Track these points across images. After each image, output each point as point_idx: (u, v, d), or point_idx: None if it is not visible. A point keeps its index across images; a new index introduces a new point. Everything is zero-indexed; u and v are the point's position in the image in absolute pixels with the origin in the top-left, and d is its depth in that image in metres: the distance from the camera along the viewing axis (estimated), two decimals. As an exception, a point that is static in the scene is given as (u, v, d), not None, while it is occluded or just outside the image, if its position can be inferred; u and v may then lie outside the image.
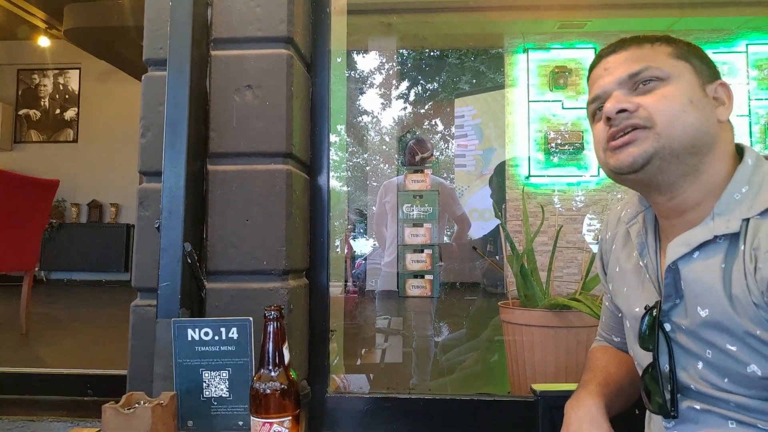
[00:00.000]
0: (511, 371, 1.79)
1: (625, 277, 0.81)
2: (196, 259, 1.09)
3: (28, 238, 2.96)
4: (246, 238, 1.14)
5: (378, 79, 6.15)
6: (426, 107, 7.77)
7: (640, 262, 0.77)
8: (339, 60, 1.58)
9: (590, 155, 5.03)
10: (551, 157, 5.11)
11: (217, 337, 0.99)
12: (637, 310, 0.76)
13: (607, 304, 0.94)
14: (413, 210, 6.06)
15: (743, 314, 0.63)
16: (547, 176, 5.12)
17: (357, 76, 6.36)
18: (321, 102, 1.30)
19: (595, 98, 0.76)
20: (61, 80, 6.32)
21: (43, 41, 5.56)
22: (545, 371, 1.65)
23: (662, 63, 0.71)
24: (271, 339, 0.81)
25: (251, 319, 0.99)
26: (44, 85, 6.32)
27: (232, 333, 0.99)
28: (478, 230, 6.30)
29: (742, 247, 0.64)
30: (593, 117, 0.79)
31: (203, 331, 0.99)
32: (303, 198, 1.26)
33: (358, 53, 6.27)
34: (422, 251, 5.83)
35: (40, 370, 1.43)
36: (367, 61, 6.16)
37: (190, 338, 0.99)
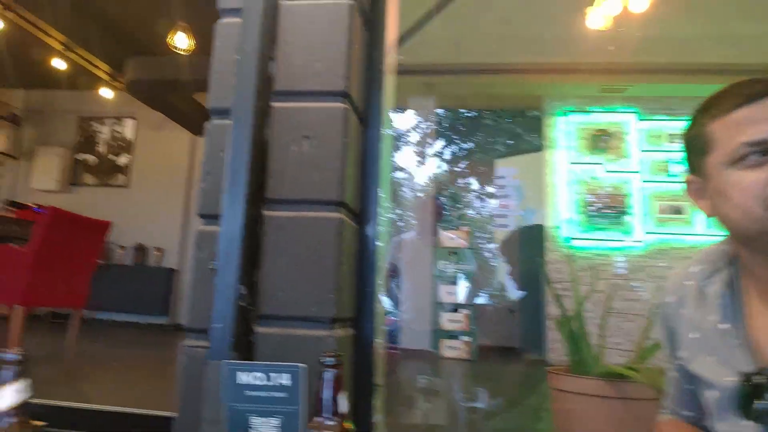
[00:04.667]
0: (561, 444, 1.70)
1: (708, 343, 0.76)
2: (248, 302, 1.11)
3: (80, 276, 3.06)
4: (296, 284, 1.15)
5: (415, 137, 6.28)
6: (461, 166, 7.86)
7: (720, 325, 0.73)
8: (388, 116, 1.63)
9: (634, 220, 4.95)
10: (592, 221, 5.04)
11: (267, 383, 0.99)
12: (728, 379, 0.70)
13: (675, 374, 0.87)
14: (449, 267, 5.98)
15: None
16: (589, 239, 5.04)
17: (394, 133, 6.51)
18: (372, 154, 1.34)
19: (761, 142, 0.69)
20: (117, 128, 6.66)
21: (104, 92, 5.91)
22: (596, 444, 1.56)
23: None
24: (328, 386, 0.80)
25: (305, 365, 0.98)
26: (101, 133, 6.67)
27: (283, 379, 0.99)
28: (515, 292, 6.18)
29: None
30: (739, 161, 0.72)
31: (254, 374, 0.99)
32: (352, 247, 1.28)
33: (396, 111, 6.45)
34: (457, 311, 5.71)
35: (84, 405, 1.45)
36: (405, 119, 6.32)
37: (240, 382, 0.99)
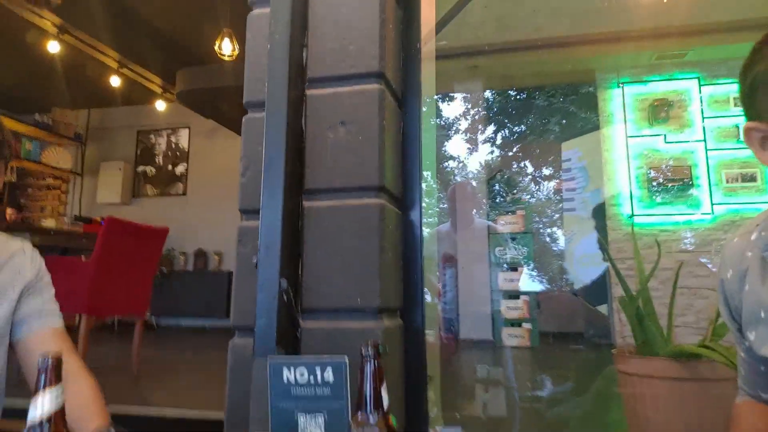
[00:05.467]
0: (633, 430, 1.59)
1: None
2: (292, 296, 1.09)
3: (141, 283, 3.16)
4: (340, 275, 1.12)
5: (464, 124, 6.15)
6: (514, 149, 7.65)
7: None
8: (428, 100, 1.57)
9: (700, 192, 4.66)
10: (655, 196, 4.79)
11: (312, 378, 0.96)
12: None
13: (744, 355, 0.77)
14: (506, 253, 5.85)
15: None
16: (653, 215, 4.79)
17: (443, 123, 6.40)
18: (412, 136, 1.29)
19: None
20: (173, 139, 6.89)
21: (159, 104, 6.12)
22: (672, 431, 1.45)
23: None
24: (369, 379, 0.76)
25: (347, 358, 0.95)
26: (159, 144, 6.91)
27: (328, 373, 0.96)
28: (585, 276, 5.95)
29: None
30: None
31: (298, 370, 0.96)
32: (396, 233, 1.24)
33: (443, 100, 6.33)
34: (518, 297, 5.58)
35: (149, 410, 1.48)
36: (452, 107, 6.20)
37: (285, 379, 0.96)
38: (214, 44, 4.13)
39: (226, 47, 4.15)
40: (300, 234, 1.15)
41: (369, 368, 0.76)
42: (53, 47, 4.56)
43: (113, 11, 4.36)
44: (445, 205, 5.68)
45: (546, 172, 7.39)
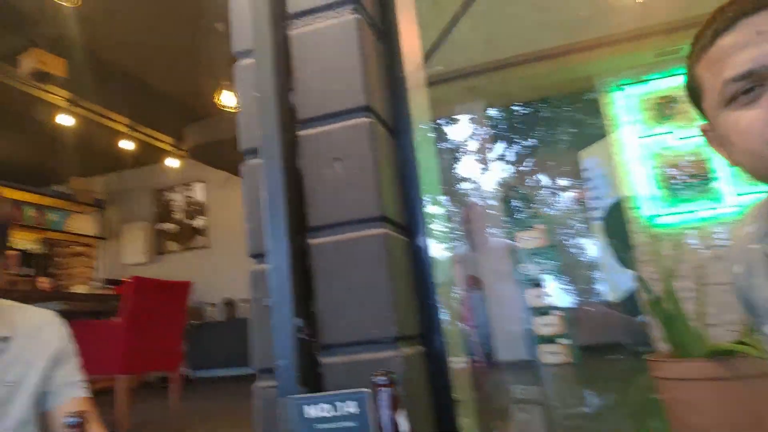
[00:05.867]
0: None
1: None
2: (308, 334, 1.10)
3: (171, 338, 3.20)
4: (353, 308, 1.13)
5: (472, 144, 6.17)
6: (527, 164, 7.62)
7: None
8: (423, 127, 1.59)
9: (721, 184, 4.58)
10: (676, 194, 4.72)
11: (335, 413, 0.96)
12: None
13: None
14: (530, 269, 5.75)
15: None
16: (676, 214, 4.71)
17: (450, 146, 6.43)
18: (408, 163, 1.30)
19: (746, 74, 0.56)
20: (189, 194, 7.03)
21: (172, 162, 6.28)
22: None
23: None
24: (383, 408, 0.77)
25: (368, 390, 0.95)
26: (175, 200, 7.06)
27: (351, 407, 0.96)
28: (621, 285, 5.82)
29: None
30: (733, 100, 0.59)
31: (320, 407, 0.97)
32: (404, 260, 1.24)
33: (447, 123, 6.37)
34: (549, 313, 5.45)
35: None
36: (457, 129, 6.23)
37: (307, 416, 0.97)
38: (215, 97, 4.25)
39: (227, 99, 4.26)
40: (309, 272, 1.16)
41: (382, 397, 0.76)
42: (65, 120, 4.74)
43: (118, 79, 4.53)
44: (461, 228, 5.67)
45: (563, 182, 7.34)
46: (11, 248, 1.14)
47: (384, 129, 1.24)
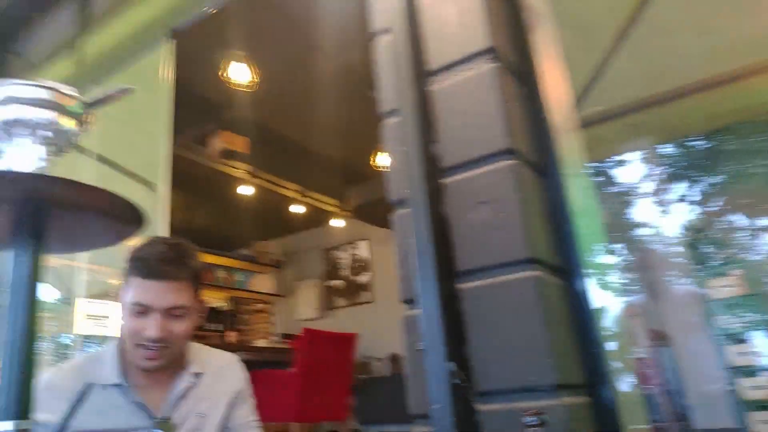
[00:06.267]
0: None
1: None
2: (462, 379, 1.09)
3: (340, 389, 3.35)
4: (507, 354, 1.10)
5: (646, 185, 5.71)
6: (716, 203, 6.81)
7: None
8: (579, 168, 1.53)
9: None
10: None
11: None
12: None
13: None
14: (731, 322, 5.06)
15: None
16: None
17: (620, 189, 6.01)
18: (560, 205, 1.27)
19: None
20: (354, 251, 7.44)
21: (336, 222, 6.74)
22: None
23: None
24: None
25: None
26: (342, 258, 7.51)
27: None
28: None
29: None
30: None
31: (477, 454, 0.95)
32: (561, 305, 1.19)
33: (612, 165, 5.99)
34: (755, 374, 4.70)
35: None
36: (625, 170, 5.82)
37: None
38: (371, 159, 4.53)
39: (382, 160, 4.51)
40: (461, 316, 1.17)
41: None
42: (245, 190, 5.41)
43: (288, 149, 5.08)
44: (637, 276, 5.20)
45: (763, 222, 6.41)
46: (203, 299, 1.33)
47: (530, 170, 1.23)
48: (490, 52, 1.23)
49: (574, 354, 1.19)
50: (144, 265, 1.18)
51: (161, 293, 1.17)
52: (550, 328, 1.09)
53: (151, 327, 1.16)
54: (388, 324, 6.86)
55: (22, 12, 3.16)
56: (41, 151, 0.84)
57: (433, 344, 1.09)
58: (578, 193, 1.35)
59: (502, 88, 1.20)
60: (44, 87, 0.83)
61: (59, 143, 0.86)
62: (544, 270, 1.16)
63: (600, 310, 1.26)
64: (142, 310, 1.17)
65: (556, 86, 1.43)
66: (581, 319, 1.23)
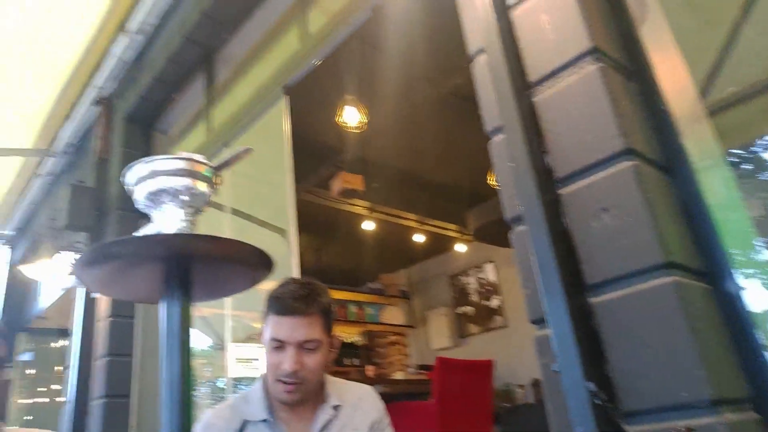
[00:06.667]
0: None
1: None
2: (604, 399, 1.03)
3: (480, 418, 3.27)
4: (652, 369, 1.02)
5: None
6: None
7: None
8: (714, 160, 1.40)
9: None
10: None
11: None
12: None
13: None
14: None
15: None
16: None
17: (735, 172, 5.33)
18: (694, 202, 1.16)
19: None
20: (481, 275, 7.31)
21: (459, 247, 6.69)
22: None
23: None
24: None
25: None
26: (470, 283, 7.41)
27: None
28: None
29: None
30: None
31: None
32: (709, 310, 1.08)
33: (762, 150, 5.35)
34: None
35: None
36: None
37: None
38: (487, 179, 4.46)
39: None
40: (596, 331, 1.10)
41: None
42: (368, 225, 5.58)
43: (403, 181, 5.18)
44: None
45: None
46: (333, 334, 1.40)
47: (653, 169, 1.15)
48: (592, 52, 1.18)
49: (733, 364, 1.07)
50: (278, 303, 1.28)
51: (294, 328, 1.25)
52: (697, 336, 0.99)
53: (287, 360, 1.24)
54: (526, 348, 6.56)
55: (161, 95, 3.61)
56: (181, 213, 0.95)
57: (569, 364, 1.04)
58: (716, 186, 1.24)
59: (609, 87, 1.15)
60: (180, 158, 0.96)
61: (196, 204, 0.98)
62: (684, 274, 1.07)
63: (762, 314, 1.12)
64: (278, 346, 1.26)
65: (673, 76, 1.33)
66: (737, 324, 1.11)
